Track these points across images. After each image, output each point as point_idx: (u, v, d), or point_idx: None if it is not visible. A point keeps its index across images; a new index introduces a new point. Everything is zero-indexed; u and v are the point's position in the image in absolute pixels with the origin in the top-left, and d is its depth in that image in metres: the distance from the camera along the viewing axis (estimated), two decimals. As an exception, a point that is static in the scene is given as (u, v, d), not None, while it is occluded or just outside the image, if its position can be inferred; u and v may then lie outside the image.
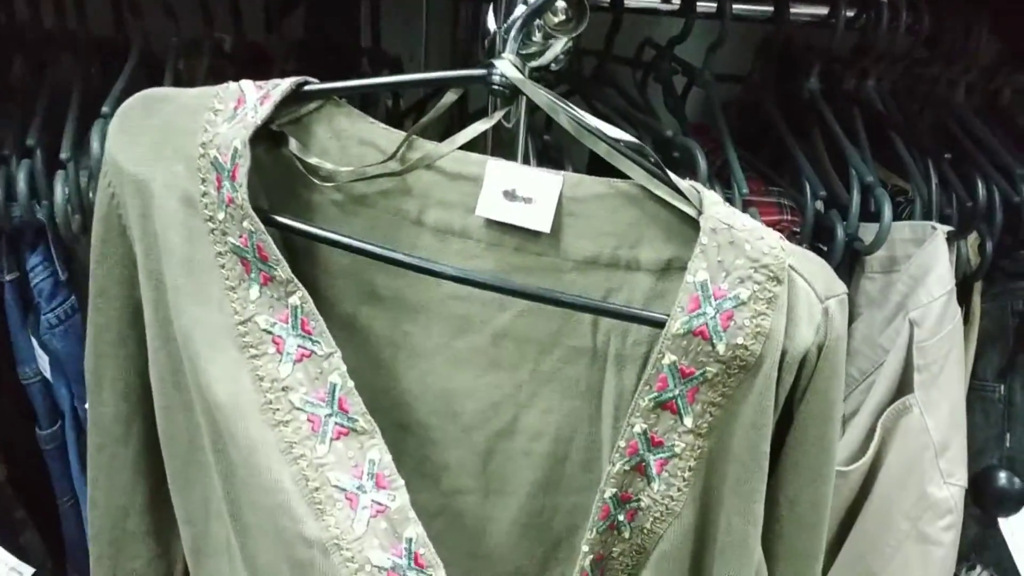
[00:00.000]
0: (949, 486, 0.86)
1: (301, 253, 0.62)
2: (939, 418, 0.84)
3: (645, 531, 0.61)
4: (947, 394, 0.85)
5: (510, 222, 0.60)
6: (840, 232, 0.83)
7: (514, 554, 0.68)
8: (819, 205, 0.88)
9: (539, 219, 0.59)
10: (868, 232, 0.85)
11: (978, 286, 0.93)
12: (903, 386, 0.85)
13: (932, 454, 0.85)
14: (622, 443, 0.59)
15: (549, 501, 0.67)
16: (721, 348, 0.55)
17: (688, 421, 0.58)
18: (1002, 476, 0.97)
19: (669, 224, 0.59)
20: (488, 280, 0.58)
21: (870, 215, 0.88)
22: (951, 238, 0.84)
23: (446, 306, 0.63)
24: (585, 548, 0.61)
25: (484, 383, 0.64)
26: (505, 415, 0.65)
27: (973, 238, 0.91)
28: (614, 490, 0.60)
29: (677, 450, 0.59)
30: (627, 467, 0.59)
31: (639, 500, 0.61)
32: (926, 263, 0.83)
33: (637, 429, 0.58)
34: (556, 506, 0.67)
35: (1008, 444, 0.98)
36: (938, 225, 0.83)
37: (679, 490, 0.59)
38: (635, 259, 0.60)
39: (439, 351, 0.64)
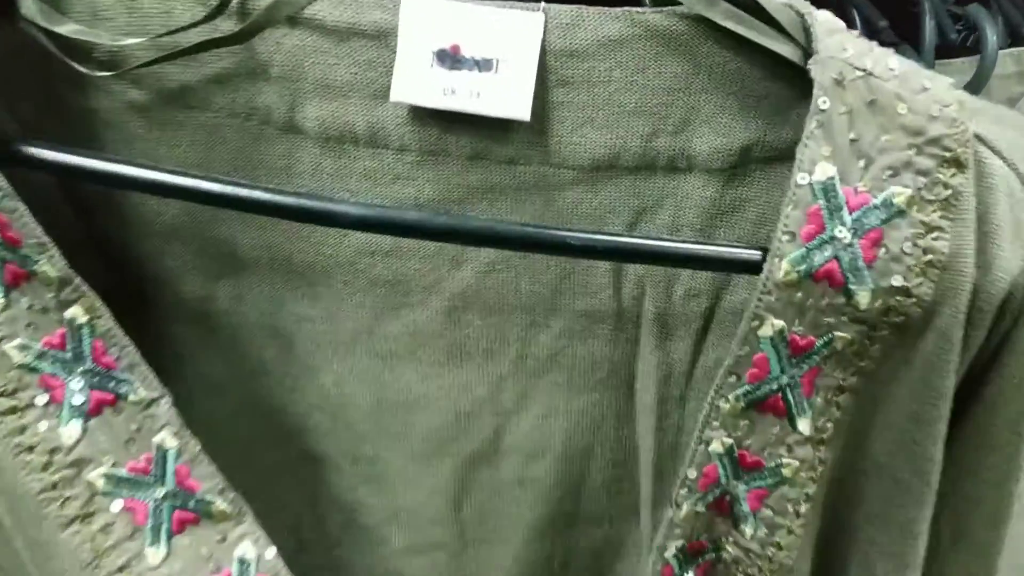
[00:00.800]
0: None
1: (85, 206, 0.35)
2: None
3: None
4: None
5: (455, 108, 0.33)
6: (918, 75, 0.57)
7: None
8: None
9: (508, 98, 0.33)
10: (951, 73, 0.60)
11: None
12: None
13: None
14: (691, 473, 0.34)
15: (561, 544, 0.43)
16: (863, 298, 0.30)
17: (804, 425, 0.33)
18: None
19: (745, 80, 0.33)
20: (426, 221, 0.32)
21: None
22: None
23: (361, 268, 0.37)
24: (641, 639, 0.37)
25: (440, 385, 0.39)
26: (481, 430, 0.40)
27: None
28: (680, 542, 0.36)
29: (786, 472, 0.34)
30: (700, 508, 0.35)
31: (719, 551, 0.37)
32: (1044, 106, 0.59)
33: (716, 447, 0.34)
34: (572, 549, 0.43)
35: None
36: (1061, 49, 0.59)
37: (790, 533, 0.35)
38: (684, 150, 0.34)
39: (358, 341, 0.38)
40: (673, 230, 0.35)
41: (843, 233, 0.30)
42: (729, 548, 0.36)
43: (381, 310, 0.38)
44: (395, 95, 0.33)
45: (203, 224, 0.37)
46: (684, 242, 0.33)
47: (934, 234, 0.30)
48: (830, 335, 0.32)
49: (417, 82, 0.32)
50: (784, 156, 0.31)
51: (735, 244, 0.33)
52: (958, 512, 0.38)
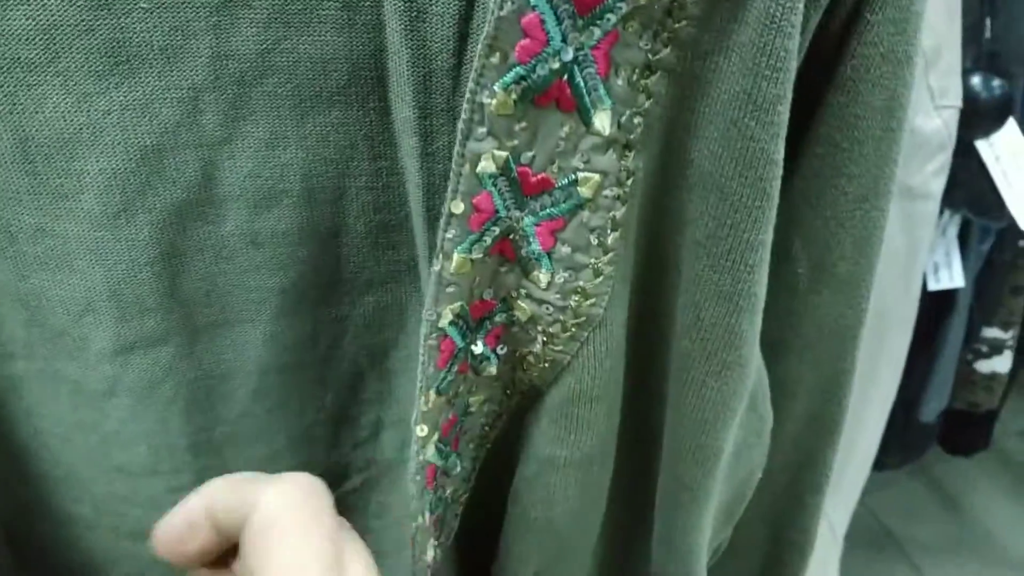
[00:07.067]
0: (942, 111, 0.60)
1: None
2: (930, 10, 0.55)
3: (530, 362, 0.31)
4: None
5: None
6: None
7: (278, 420, 0.37)
8: None
9: None
10: None
11: None
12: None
13: (922, 66, 0.58)
14: (457, 207, 0.26)
15: (325, 317, 0.35)
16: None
17: (602, 121, 0.25)
18: (976, 82, 0.71)
19: None
20: None
21: None
22: None
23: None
24: (421, 431, 0.30)
25: (107, 107, 0.28)
26: (181, 171, 0.30)
27: None
28: (457, 305, 0.28)
29: (583, 191, 0.26)
30: (477, 254, 0.27)
31: (510, 311, 0.29)
32: None
33: (487, 166, 0.25)
34: (340, 323, 0.36)
35: (988, 34, 0.72)
36: None
37: (597, 274, 0.28)
38: None
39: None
40: None
41: None
42: (522, 304, 0.29)
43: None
44: None
45: None
46: None
47: None
48: (630, -18, 0.23)
49: None
50: None
51: None
52: (815, 239, 0.32)
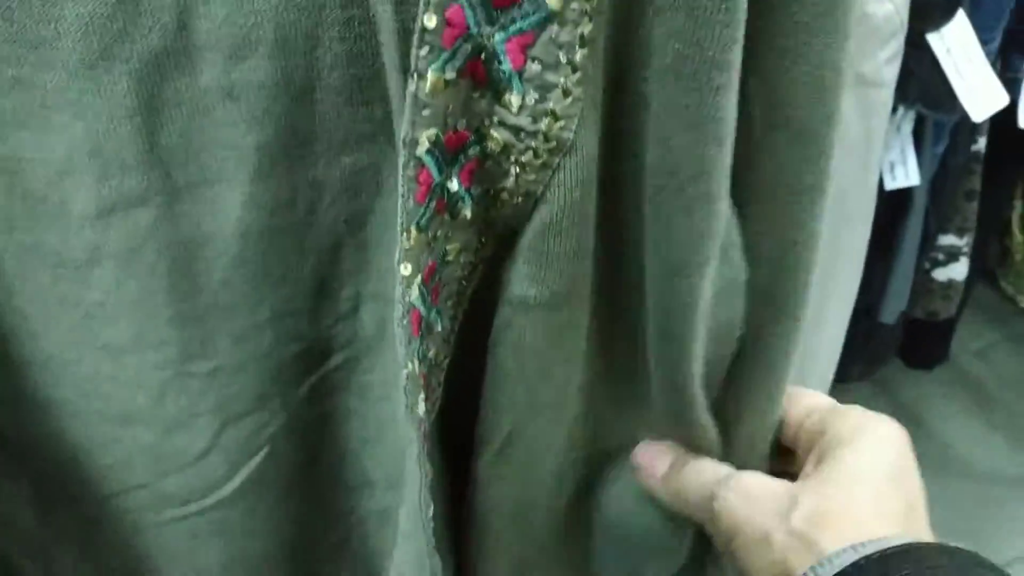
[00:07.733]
0: (893, -4, 0.62)
1: None
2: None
3: (504, 199, 0.32)
4: None
5: None
6: None
7: (259, 289, 0.38)
8: None
9: None
10: None
11: None
12: None
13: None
14: (430, 21, 0.27)
15: (302, 177, 0.36)
16: None
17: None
18: (927, -27, 0.73)
19: None
20: None
21: None
22: None
23: None
24: (405, 269, 0.31)
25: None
26: (157, 17, 0.31)
27: None
28: (433, 132, 0.29)
29: (552, 4, 0.28)
30: (450, 74, 0.28)
31: (483, 142, 0.31)
32: None
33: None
34: (318, 184, 0.36)
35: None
36: None
37: (566, 94, 0.29)
38: None
39: None
40: None
41: None
42: (495, 133, 0.30)
43: None
44: None
45: None
46: None
47: None
48: None
49: None
50: None
51: None
52: (768, 74, 0.32)
